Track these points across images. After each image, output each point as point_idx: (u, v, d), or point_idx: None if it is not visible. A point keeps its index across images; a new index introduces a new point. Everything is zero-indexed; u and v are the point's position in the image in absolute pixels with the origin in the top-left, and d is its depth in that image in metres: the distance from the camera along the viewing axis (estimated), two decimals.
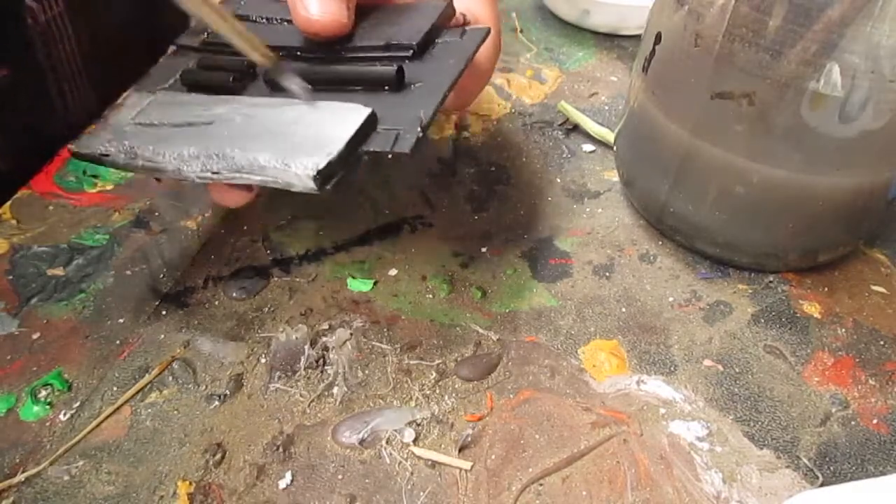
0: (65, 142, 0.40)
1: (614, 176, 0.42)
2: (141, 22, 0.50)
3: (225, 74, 0.31)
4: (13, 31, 0.39)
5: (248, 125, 0.28)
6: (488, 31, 0.30)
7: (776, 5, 0.27)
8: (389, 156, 0.26)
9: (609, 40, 0.55)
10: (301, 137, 0.26)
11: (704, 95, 0.31)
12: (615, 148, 0.40)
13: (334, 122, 0.26)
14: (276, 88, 0.29)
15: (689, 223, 0.35)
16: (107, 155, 0.29)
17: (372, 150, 0.26)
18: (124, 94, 0.32)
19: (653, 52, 0.34)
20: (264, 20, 0.33)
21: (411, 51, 0.29)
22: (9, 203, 0.38)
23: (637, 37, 0.54)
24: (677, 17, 0.31)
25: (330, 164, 0.25)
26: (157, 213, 0.38)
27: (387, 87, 0.28)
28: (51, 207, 0.38)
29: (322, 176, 0.25)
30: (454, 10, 0.31)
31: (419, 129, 0.26)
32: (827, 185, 0.31)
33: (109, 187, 0.39)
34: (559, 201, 0.40)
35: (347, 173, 0.26)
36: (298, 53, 0.31)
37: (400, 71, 0.28)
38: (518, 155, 0.43)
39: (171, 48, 0.35)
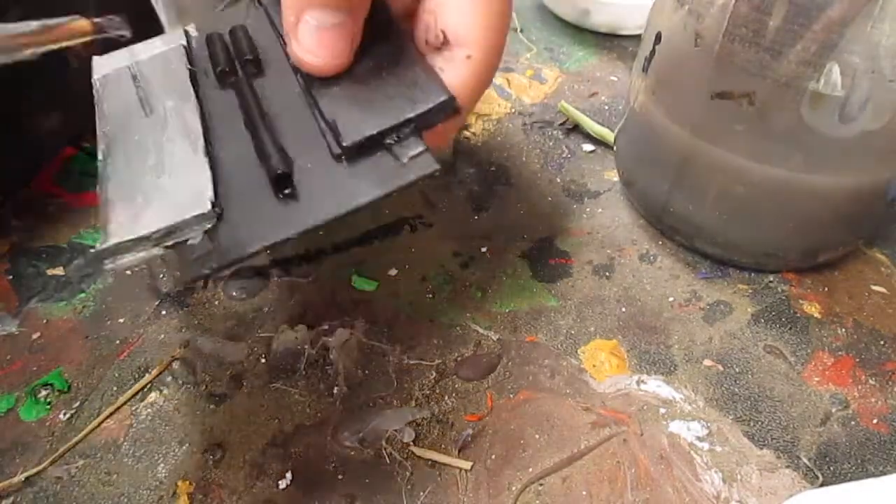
0: None
1: (614, 176, 0.42)
2: None
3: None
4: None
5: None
6: (433, 173, 0.22)
7: (776, 5, 0.27)
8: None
9: (609, 40, 0.55)
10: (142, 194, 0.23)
11: (704, 95, 0.31)
12: (615, 148, 0.40)
13: (176, 196, 0.23)
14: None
15: (689, 223, 0.35)
16: None
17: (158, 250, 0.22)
18: None
19: (653, 52, 0.34)
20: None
21: (339, 151, 0.22)
22: (9, 203, 0.38)
23: (637, 37, 0.54)
24: (677, 17, 0.31)
25: (108, 250, 0.21)
26: None
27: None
28: (51, 207, 0.38)
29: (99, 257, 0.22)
30: (452, 110, 0.23)
31: (210, 267, 0.21)
32: (827, 185, 0.31)
33: None
34: (559, 201, 0.40)
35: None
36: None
37: (280, 181, 0.22)
38: (518, 155, 0.43)
39: None
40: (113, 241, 0.21)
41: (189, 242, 0.22)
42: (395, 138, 0.23)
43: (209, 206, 0.22)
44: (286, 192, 0.22)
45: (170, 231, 0.22)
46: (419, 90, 0.23)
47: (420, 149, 0.23)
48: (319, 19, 0.22)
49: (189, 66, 0.27)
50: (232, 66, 0.26)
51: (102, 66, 0.27)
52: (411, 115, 0.23)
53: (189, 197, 0.22)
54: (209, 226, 0.22)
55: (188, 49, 0.27)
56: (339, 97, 0.24)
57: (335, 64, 0.24)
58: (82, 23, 0.25)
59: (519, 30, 0.55)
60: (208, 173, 0.23)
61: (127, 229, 0.22)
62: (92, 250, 0.21)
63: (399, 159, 0.23)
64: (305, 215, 0.22)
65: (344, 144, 0.22)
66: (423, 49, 0.24)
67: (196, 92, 0.26)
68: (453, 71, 0.24)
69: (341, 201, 0.22)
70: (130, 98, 0.26)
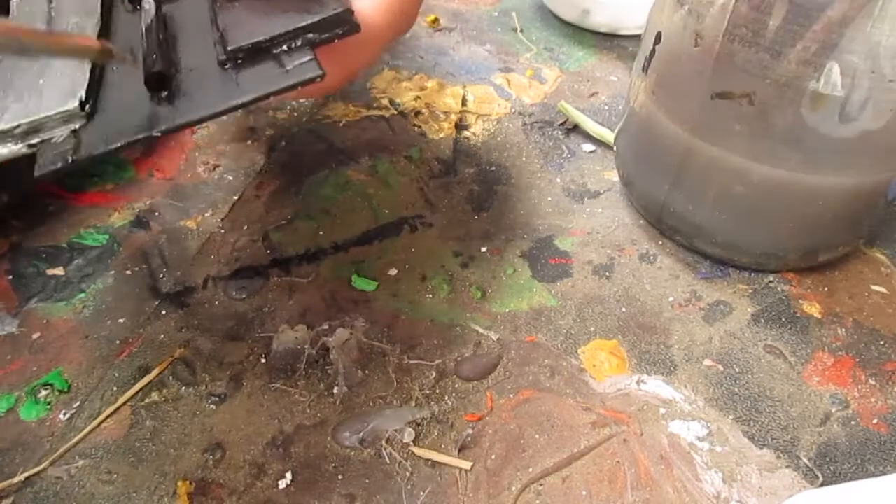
0: None
1: (614, 176, 0.42)
2: None
3: None
4: None
5: None
6: (315, 78, 0.23)
7: (776, 5, 0.27)
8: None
9: (609, 40, 0.55)
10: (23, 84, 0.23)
11: (704, 95, 0.31)
12: (615, 148, 0.40)
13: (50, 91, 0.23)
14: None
15: (689, 223, 0.35)
16: None
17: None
18: None
19: (653, 52, 0.34)
20: None
21: (224, 57, 0.23)
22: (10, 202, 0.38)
23: (637, 37, 0.54)
24: (677, 17, 0.31)
25: None
26: (157, 213, 0.38)
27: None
28: (51, 207, 0.38)
29: None
30: (350, 26, 0.24)
31: (66, 159, 0.22)
32: (827, 185, 0.31)
33: (109, 187, 0.39)
34: (559, 201, 0.40)
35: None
36: None
37: (154, 80, 0.23)
38: (518, 155, 0.43)
39: None
40: None
41: (54, 141, 0.22)
42: (286, 49, 0.23)
43: (77, 104, 0.22)
44: (162, 94, 0.23)
45: (34, 127, 0.22)
46: (317, 4, 0.24)
47: (307, 58, 0.23)
48: None
49: None
50: None
51: None
52: (302, 24, 0.23)
53: (59, 97, 0.23)
54: (76, 126, 0.22)
55: None
56: (238, 11, 0.24)
57: None
58: (91, 42, 0.26)
59: (519, 30, 0.55)
60: (86, 78, 0.23)
61: None
62: None
63: (283, 66, 0.23)
64: (175, 115, 0.22)
65: (228, 48, 0.23)
66: None
67: (108, 15, 0.26)
68: None
69: (213, 103, 0.22)
70: (39, 14, 0.26)
